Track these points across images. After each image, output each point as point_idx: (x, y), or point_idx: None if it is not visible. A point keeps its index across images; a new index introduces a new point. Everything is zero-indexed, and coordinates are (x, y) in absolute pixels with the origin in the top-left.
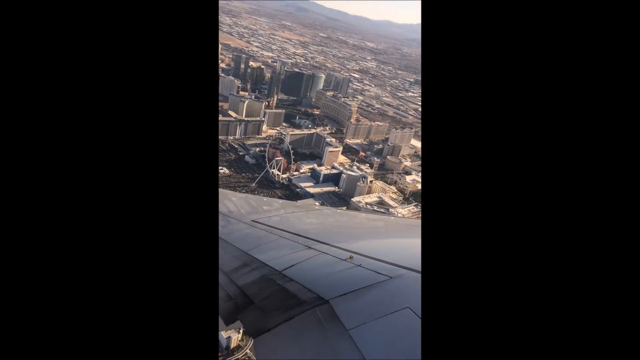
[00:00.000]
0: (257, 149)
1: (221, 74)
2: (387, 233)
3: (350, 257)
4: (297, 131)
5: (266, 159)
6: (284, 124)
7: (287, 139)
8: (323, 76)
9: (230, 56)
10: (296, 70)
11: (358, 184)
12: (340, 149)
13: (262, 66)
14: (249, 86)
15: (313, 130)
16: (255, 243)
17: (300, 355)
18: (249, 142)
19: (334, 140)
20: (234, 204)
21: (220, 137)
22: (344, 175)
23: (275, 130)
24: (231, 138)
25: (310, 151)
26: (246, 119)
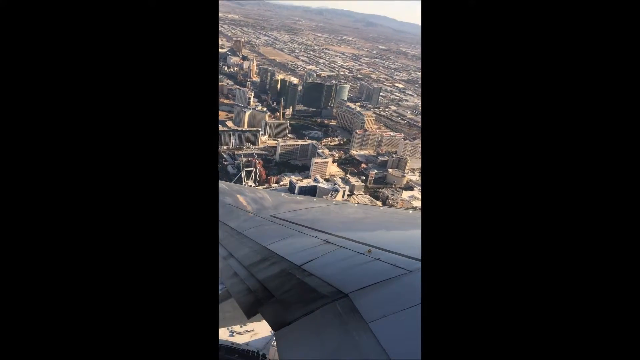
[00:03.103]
0: (245, 159)
1: (247, 87)
2: (406, 227)
3: (369, 251)
4: (290, 142)
5: (241, 170)
6: (289, 135)
7: (278, 150)
8: (347, 86)
9: (256, 70)
10: (318, 81)
11: (324, 197)
12: (329, 160)
13: (293, 79)
14: (269, 97)
15: (309, 141)
16: (274, 238)
17: (321, 349)
18: (242, 152)
19: (326, 151)
20: (253, 200)
21: None
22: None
23: (275, 141)
24: (224, 147)
25: (304, 162)
26: (242, 128)
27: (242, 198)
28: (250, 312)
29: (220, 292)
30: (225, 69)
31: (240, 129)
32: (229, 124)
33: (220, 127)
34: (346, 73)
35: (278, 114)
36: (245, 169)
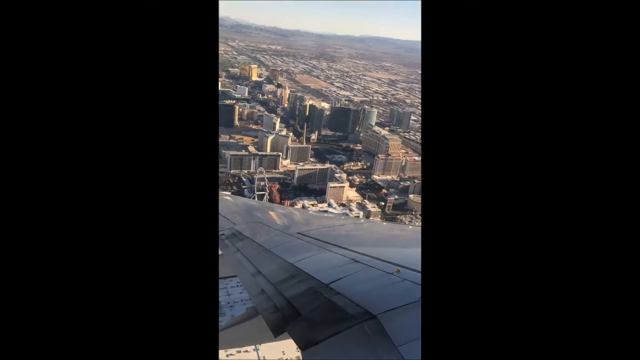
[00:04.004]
0: (262, 183)
1: (276, 113)
2: None
3: (398, 271)
4: (308, 166)
5: (254, 193)
6: (311, 159)
7: (296, 174)
8: (375, 110)
9: (287, 97)
10: (344, 107)
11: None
12: (346, 184)
13: (323, 104)
14: (296, 123)
15: (327, 165)
16: (302, 255)
17: None
18: (256, 176)
19: (344, 175)
20: (281, 217)
21: (233, 170)
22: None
23: (295, 165)
24: (245, 172)
25: (322, 187)
26: (263, 153)
27: (269, 215)
28: (278, 331)
29: (247, 309)
30: (260, 96)
31: (261, 153)
32: (251, 148)
33: (242, 152)
34: (380, 98)
35: (302, 138)
36: (258, 193)
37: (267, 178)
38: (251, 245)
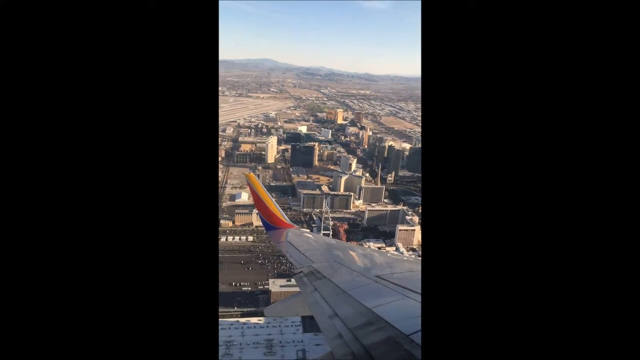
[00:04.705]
0: (332, 223)
1: (354, 155)
2: None
3: None
4: (378, 207)
5: (320, 232)
6: (385, 200)
7: (366, 215)
8: None
9: (367, 138)
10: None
11: None
12: (417, 228)
13: (405, 145)
14: (373, 164)
15: (398, 207)
16: (381, 300)
17: None
18: (331, 215)
19: (415, 218)
20: (359, 257)
21: (306, 209)
22: None
23: (366, 206)
24: (317, 210)
25: (392, 229)
26: (334, 193)
27: (349, 254)
28: None
29: (324, 353)
30: (343, 138)
31: (333, 192)
32: (325, 188)
33: (314, 191)
34: None
35: (377, 178)
36: (323, 232)
37: (336, 218)
38: (329, 285)
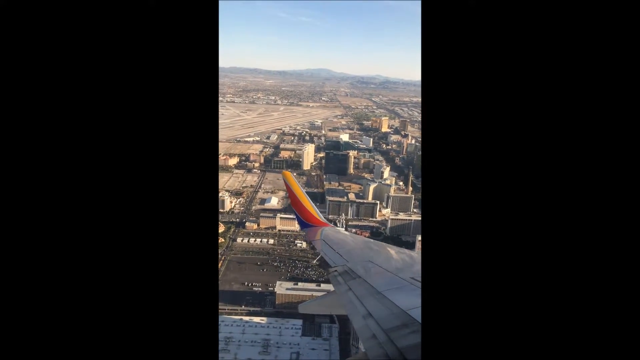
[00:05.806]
0: (354, 231)
1: (391, 163)
2: None
3: None
4: (401, 216)
5: None
6: (414, 209)
7: (389, 224)
8: None
9: (405, 147)
10: None
11: None
12: None
13: None
14: (409, 172)
15: (419, 217)
16: (416, 302)
17: None
18: (355, 223)
19: None
20: (396, 258)
21: (331, 215)
22: None
23: (390, 215)
24: (342, 217)
25: (414, 239)
26: (360, 200)
27: (383, 255)
28: None
29: (357, 353)
30: (384, 146)
31: (359, 200)
32: (351, 196)
33: (341, 198)
34: None
35: (408, 187)
36: None
37: (360, 226)
38: (363, 285)
